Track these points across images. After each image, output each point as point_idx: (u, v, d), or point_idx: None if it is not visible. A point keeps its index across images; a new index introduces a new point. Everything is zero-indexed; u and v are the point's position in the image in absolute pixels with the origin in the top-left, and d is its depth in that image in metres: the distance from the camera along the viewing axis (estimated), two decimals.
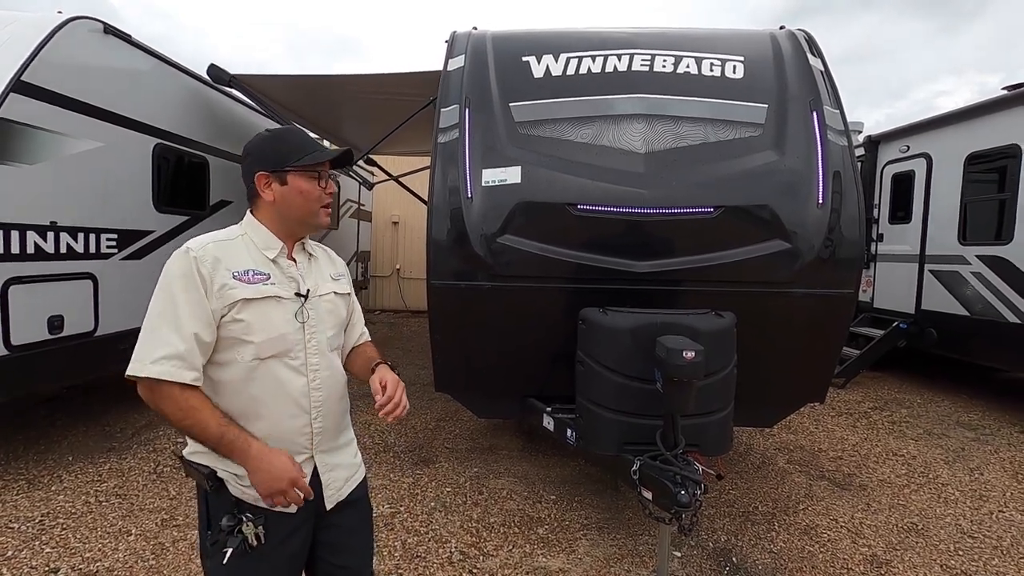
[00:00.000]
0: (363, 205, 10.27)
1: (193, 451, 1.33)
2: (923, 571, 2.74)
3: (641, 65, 3.39)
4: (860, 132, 8.94)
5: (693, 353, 2.16)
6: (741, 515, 3.25)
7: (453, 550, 2.81)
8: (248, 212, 1.43)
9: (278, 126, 1.94)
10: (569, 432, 2.94)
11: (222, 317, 1.26)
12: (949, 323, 5.93)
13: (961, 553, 2.91)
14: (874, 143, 7.15)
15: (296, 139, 1.41)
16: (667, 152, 3.12)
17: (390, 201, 11.47)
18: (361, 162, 9.10)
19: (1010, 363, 5.73)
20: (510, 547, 2.86)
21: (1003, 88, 5.54)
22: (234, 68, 5.14)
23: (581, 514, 3.22)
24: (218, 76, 4.95)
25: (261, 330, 1.29)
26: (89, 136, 3.82)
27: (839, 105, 3.31)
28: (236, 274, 1.28)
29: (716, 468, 2.79)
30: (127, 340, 4.21)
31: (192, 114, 5.00)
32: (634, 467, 2.38)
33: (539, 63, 3.46)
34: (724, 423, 2.57)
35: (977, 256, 5.60)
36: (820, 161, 3.09)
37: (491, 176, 3.15)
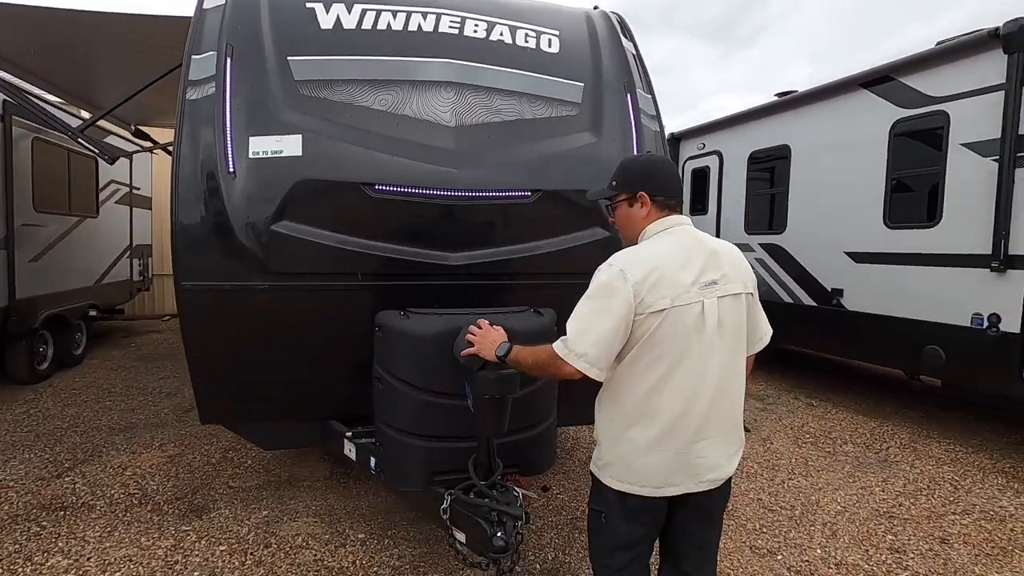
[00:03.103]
0: (138, 189, 8.42)
1: None
2: (736, 556, 2.76)
3: (450, 27, 2.95)
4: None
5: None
6: (569, 523, 3.03)
7: None
8: None
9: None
10: (373, 461, 2.42)
11: None
12: None
13: (765, 531, 3.02)
14: (676, 140, 7.72)
15: None
16: (480, 127, 2.74)
17: None
18: (124, 131, 7.41)
19: (786, 339, 6.56)
20: None
21: (775, 95, 6.26)
22: None
23: (394, 553, 2.72)
24: None
25: None
26: None
27: (651, 90, 3.23)
28: None
29: (542, 480, 2.50)
30: None
31: None
32: (444, 504, 1.95)
33: (328, 12, 2.83)
34: (546, 437, 2.27)
35: (759, 244, 6.28)
36: (635, 145, 2.96)
37: (261, 145, 2.46)
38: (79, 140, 3.81)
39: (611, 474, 1.57)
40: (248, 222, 2.39)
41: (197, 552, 2.70)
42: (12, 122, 5.15)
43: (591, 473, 1.67)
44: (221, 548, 2.73)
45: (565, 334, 1.53)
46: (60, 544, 2.76)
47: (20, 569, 2.55)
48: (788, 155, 5.91)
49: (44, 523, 2.96)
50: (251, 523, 2.98)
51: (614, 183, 1.74)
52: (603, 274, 1.51)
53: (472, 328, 1.88)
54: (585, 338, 1.46)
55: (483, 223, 2.68)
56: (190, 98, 2.50)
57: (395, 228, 2.56)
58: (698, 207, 7.40)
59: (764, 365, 6.91)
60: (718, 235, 7.00)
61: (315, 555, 2.69)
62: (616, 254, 1.58)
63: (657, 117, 3.16)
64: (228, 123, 2.43)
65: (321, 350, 2.63)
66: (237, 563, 2.61)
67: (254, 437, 2.91)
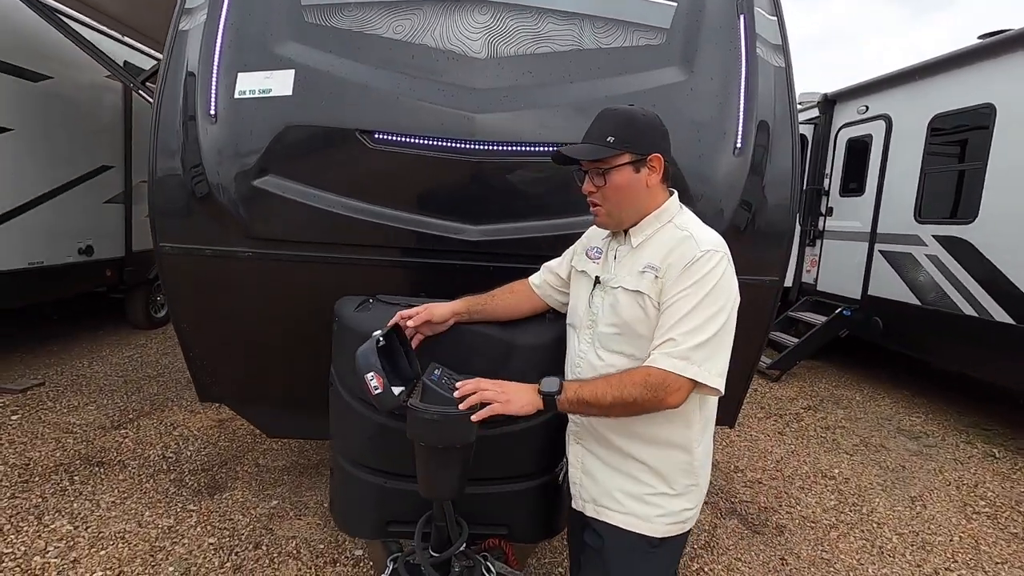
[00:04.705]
0: None
1: None
2: None
3: None
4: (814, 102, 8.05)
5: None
6: None
7: None
8: None
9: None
10: None
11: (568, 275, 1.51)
12: (897, 312, 5.19)
13: None
14: (830, 103, 6.27)
15: None
16: (519, 60, 2.07)
17: None
18: None
19: (964, 363, 5.03)
20: None
21: (979, 37, 4.68)
22: None
23: None
24: None
25: (573, 296, 1.45)
26: None
27: (777, 11, 2.31)
28: (588, 250, 1.44)
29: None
30: None
31: None
32: (385, 573, 1.41)
33: None
34: (548, 491, 1.60)
35: (934, 236, 4.82)
36: (744, 86, 2.11)
37: (249, 84, 2.04)
38: (139, 92, 3.81)
39: (694, 510, 1.31)
40: (226, 176, 1.99)
41: (186, 541, 2.46)
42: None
43: (649, 541, 1.26)
44: (210, 541, 2.47)
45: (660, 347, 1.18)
46: (75, 505, 2.69)
47: (26, 527, 2.49)
48: (990, 119, 4.38)
49: (76, 477, 2.95)
50: (255, 513, 2.71)
51: (611, 139, 1.23)
52: (714, 264, 1.18)
53: (477, 383, 1.20)
54: (724, 353, 1.18)
55: (513, 187, 2.04)
56: (182, 28, 2.14)
57: (399, 189, 2.03)
58: (851, 187, 5.96)
59: (923, 390, 5.43)
60: (876, 223, 5.57)
61: (298, 570, 2.32)
62: (697, 232, 1.26)
63: (783, 48, 2.25)
64: (216, 56, 2.04)
65: (311, 330, 2.20)
66: (215, 564, 2.32)
67: (257, 421, 2.61)
